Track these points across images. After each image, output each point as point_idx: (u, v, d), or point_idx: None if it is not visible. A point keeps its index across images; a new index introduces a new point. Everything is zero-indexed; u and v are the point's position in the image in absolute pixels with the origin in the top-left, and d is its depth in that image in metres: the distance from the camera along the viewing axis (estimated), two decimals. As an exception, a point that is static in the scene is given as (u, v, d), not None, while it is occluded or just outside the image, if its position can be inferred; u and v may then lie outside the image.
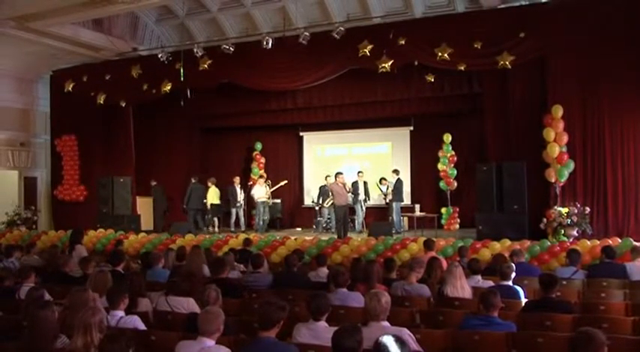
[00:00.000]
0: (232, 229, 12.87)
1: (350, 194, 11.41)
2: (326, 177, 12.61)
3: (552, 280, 4.68)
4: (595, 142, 9.47)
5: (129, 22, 13.25)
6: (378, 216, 13.10)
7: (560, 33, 9.44)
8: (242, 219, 13.24)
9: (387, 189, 12.33)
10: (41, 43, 12.28)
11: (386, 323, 3.74)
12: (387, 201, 12.30)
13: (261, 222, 12.87)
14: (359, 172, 12.75)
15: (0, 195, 13.68)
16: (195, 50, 11.36)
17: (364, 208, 12.70)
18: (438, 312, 4.73)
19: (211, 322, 3.43)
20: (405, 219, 12.52)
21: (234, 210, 13.11)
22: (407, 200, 12.93)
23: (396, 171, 12.33)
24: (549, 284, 4.64)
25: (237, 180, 13.40)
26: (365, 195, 12.60)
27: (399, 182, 12.12)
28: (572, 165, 9.41)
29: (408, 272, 5.52)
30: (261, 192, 13.00)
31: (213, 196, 13.34)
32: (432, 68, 10.70)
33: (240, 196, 13.16)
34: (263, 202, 12.95)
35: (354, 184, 12.16)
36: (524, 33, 9.49)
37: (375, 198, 13.16)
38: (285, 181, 13.81)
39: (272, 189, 13.39)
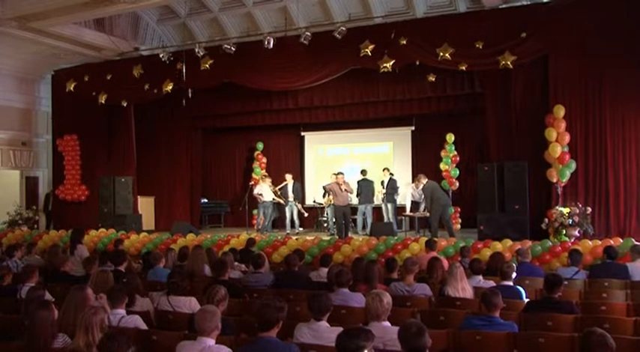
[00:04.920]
0: (288, 230, 12.26)
1: (349, 194, 11.26)
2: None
3: (558, 280, 4.67)
4: (597, 142, 9.44)
5: (130, 22, 13.26)
6: (379, 216, 13.08)
7: (562, 33, 9.42)
8: (297, 220, 12.59)
9: (383, 185, 12.01)
10: (43, 42, 12.30)
11: (387, 323, 3.74)
12: (381, 200, 12.08)
13: (267, 222, 12.86)
14: (362, 171, 12.03)
15: (1, 195, 13.72)
16: (196, 50, 11.35)
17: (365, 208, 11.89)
18: (439, 312, 4.72)
19: (209, 320, 3.42)
20: (407, 219, 12.46)
21: (287, 210, 12.43)
22: (407, 200, 12.85)
23: (387, 170, 12.00)
24: (554, 284, 4.62)
25: (288, 177, 12.73)
26: (356, 195, 11.62)
27: (392, 181, 11.88)
28: (573, 165, 9.39)
29: (404, 274, 5.52)
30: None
31: None
32: (433, 68, 10.66)
33: (292, 195, 12.54)
34: (274, 202, 12.89)
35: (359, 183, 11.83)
36: (526, 33, 9.47)
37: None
38: (286, 181, 13.78)
39: (275, 190, 13.33)
